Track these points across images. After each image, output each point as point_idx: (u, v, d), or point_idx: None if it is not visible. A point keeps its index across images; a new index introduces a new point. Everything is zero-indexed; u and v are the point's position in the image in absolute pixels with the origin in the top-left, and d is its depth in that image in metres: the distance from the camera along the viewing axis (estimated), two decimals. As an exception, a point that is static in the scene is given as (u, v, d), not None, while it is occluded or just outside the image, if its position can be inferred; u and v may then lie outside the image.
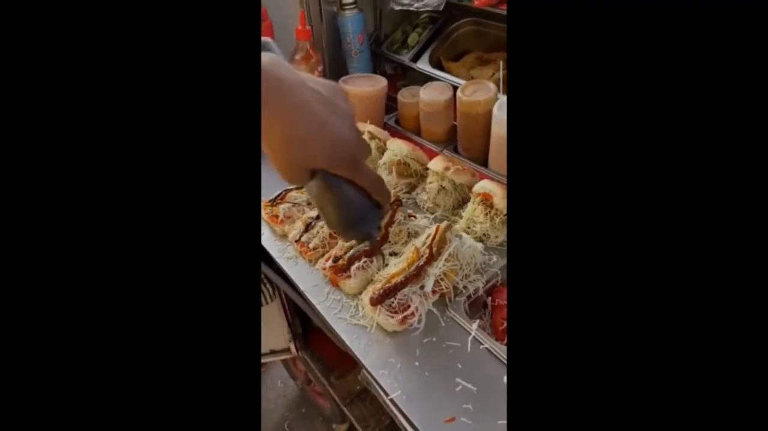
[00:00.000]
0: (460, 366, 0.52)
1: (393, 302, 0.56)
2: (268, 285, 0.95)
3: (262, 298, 0.99)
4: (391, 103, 1.01)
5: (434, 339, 0.55)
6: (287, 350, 1.15)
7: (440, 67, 1.04)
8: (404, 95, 0.94)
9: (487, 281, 0.62)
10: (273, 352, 1.16)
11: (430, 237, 0.59)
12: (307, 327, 1.11)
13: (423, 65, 1.04)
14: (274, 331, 1.09)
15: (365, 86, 0.92)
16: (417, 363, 0.52)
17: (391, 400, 0.49)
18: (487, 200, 0.66)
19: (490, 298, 0.63)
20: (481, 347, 0.54)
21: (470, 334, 0.55)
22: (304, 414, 1.46)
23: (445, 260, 0.58)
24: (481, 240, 0.66)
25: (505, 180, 0.75)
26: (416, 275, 0.57)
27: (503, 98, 0.78)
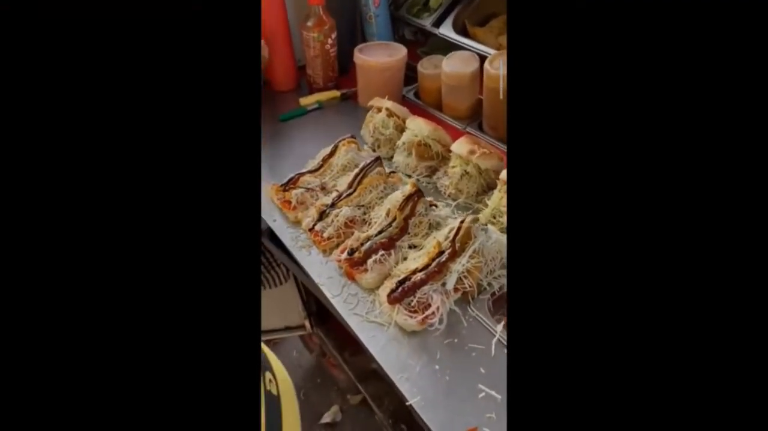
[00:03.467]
0: (483, 370, 0.49)
1: (412, 301, 0.52)
2: (282, 266, 0.93)
3: (276, 279, 0.97)
4: (410, 73, 0.94)
5: (456, 341, 0.52)
6: (302, 326, 1.15)
7: (465, 33, 0.96)
8: (425, 66, 0.87)
9: (513, 277, 0.58)
10: (288, 328, 1.16)
11: (453, 231, 0.55)
12: (321, 304, 1.10)
13: (446, 31, 0.95)
14: (289, 309, 1.09)
15: (382, 56, 0.85)
16: (437, 367, 0.50)
17: (410, 406, 0.47)
18: (515, 189, 0.60)
19: (515, 294, 0.59)
20: (507, 350, 0.50)
21: (495, 336, 0.52)
22: (320, 384, 1.49)
23: (470, 256, 0.54)
24: (506, 231, 0.62)
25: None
26: (438, 272, 0.53)
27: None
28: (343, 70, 0.98)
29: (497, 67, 0.73)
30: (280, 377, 0.50)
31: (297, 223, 0.66)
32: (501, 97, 0.70)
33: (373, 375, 1.11)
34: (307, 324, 1.14)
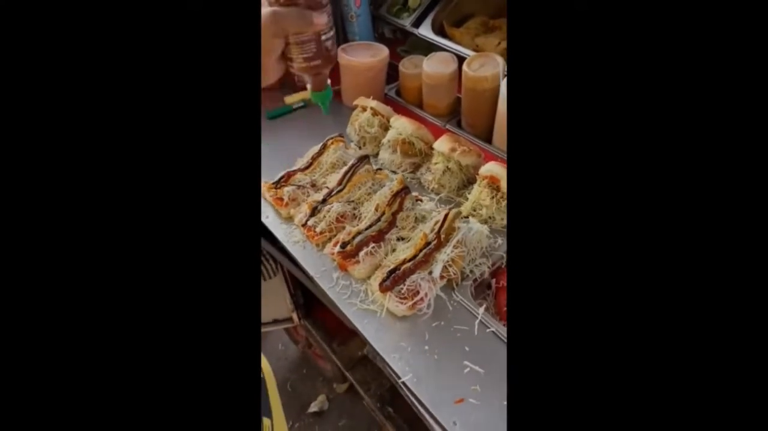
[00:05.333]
0: (467, 349, 0.54)
1: (402, 289, 0.57)
2: (271, 261, 0.96)
3: (265, 273, 1.00)
4: (390, 71, 0.97)
5: (442, 323, 0.57)
6: (289, 319, 1.18)
7: (443, 33, 1.00)
8: (406, 66, 0.91)
9: (493, 264, 0.63)
10: (276, 321, 1.19)
11: (438, 224, 0.59)
12: (308, 297, 1.14)
13: (425, 31, 0.99)
14: (276, 302, 1.12)
15: (365, 57, 0.89)
16: (426, 347, 0.54)
17: (403, 383, 0.52)
18: (493, 183, 0.66)
19: (494, 280, 0.65)
20: (488, 330, 0.56)
21: (477, 318, 0.57)
22: (306, 374, 1.52)
23: (453, 246, 0.59)
24: (486, 222, 0.67)
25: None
26: (425, 261, 0.58)
27: (511, 74, 0.75)
28: (326, 69, 1.01)
29: (475, 68, 0.77)
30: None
31: (290, 219, 0.70)
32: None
33: (360, 363, 1.16)
34: (294, 316, 1.17)
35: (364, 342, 0.58)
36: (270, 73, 0.48)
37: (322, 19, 0.45)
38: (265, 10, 0.44)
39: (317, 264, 0.64)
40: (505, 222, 0.67)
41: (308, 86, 0.53)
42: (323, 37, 0.47)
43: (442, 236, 0.59)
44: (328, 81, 0.53)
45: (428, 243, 0.59)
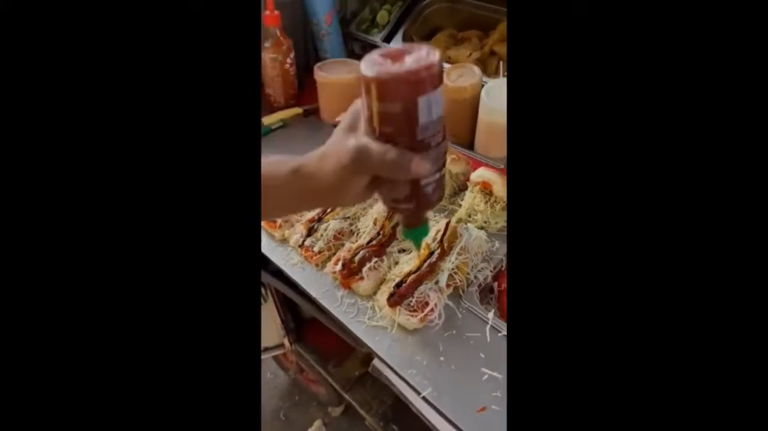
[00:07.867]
0: (482, 355, 0.54)
1: (411, 301, 0.56)
2: (261, 288, 0.92)
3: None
4: (365, 87, 0.98)
5: (454, 332, 0.56)
6: (280, 345, 1.14)
7: (413, 47, 1.02)
8: (383, 80, 0.92)
9: (494, 268, 0.64)
10: (266, 349, 1.14)
11: (440, 233, 0.59)
12: (298, 320, 1.10)
13: (397, 46, 1.01)
14: (266, 330, 1.08)
15: (342, 73, 0.89)
16: (442, 358, 0.54)
17: (424, 398, 0.50)
18: (486, 189, 0.67)
19: (495, 283, 0.65)
20: (499, 334, 0.56)
21: (488, 323, 0.57)
22: (298, 401, 1.47)
23: (457, 253, 0.59)
24: (482, 227, 0.68)
25: (491, 163, 0.77)
26: (430, 271, 0.58)
27: (489, 83, 0.78)
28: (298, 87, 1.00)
29: (454, 79, 0.79)
30: None
31: (284, 241, 0.68)
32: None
33: (358, 382, 1.13)
34: (285, 341, 1.13)
35: (365, 362, 0.56)
36: (348, 200, 0.38)
37: (423, 168, 0.32)
38: (350, 143, 0.33)
39: (319, 285, 0.62)
40: (499, 225, 0.68)
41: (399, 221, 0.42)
42: (423, 182, 0.35)
43: (446, 244, 0.59)
44: (427, 218, 0.40)
45: (432, 253, 0.59)
